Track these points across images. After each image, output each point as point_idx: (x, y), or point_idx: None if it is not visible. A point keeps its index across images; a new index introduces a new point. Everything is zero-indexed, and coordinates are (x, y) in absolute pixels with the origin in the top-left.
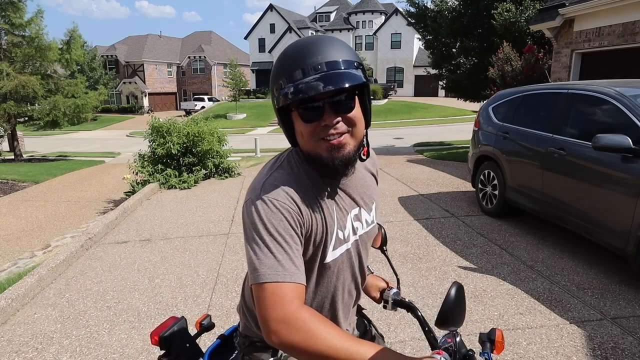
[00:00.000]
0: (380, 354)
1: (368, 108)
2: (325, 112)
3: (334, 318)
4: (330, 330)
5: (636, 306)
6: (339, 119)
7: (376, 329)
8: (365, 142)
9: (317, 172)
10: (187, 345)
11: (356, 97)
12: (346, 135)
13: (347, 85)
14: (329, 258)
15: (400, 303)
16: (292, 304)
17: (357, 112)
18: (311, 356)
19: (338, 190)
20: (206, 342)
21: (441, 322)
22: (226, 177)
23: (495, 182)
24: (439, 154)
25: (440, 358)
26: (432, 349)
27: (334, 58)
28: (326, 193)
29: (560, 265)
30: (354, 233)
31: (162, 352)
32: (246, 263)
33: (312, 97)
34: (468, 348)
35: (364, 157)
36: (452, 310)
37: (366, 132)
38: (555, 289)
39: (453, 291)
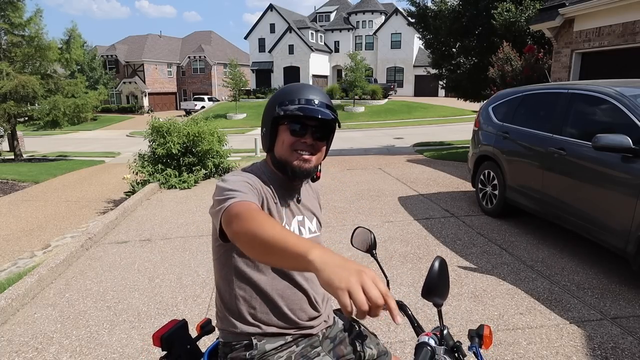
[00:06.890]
0: (313, 245)
1: (329, 146)
2: (308, 134)
3: (307, 297)
4: (269, 220)
5: (636, 306)
6: (313, 143)
7: (366, 328)
8: (319, 169)
9: (279, 176)
10: (188, 346)
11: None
12: (312, 156)
13: (331, 117)
14: None
15: None
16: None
17: (324, 145)
18: (251, 241)
19: (289, 196)
20: (207, 342)
21: (426, 292)
22: None
23: (495, 182)
24: (439, 154)
25: (428, 339)
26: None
27: (324, 100)
28: (281, 194)
29: (560, 265)
30: (300, 234)
31: (164, 353)
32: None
33: (306, 120)
34: (455, 340)
35: (316, 177)
36: (436, 282)
37: (321, 162)
38: (555, 289)
39: (437, 264)
